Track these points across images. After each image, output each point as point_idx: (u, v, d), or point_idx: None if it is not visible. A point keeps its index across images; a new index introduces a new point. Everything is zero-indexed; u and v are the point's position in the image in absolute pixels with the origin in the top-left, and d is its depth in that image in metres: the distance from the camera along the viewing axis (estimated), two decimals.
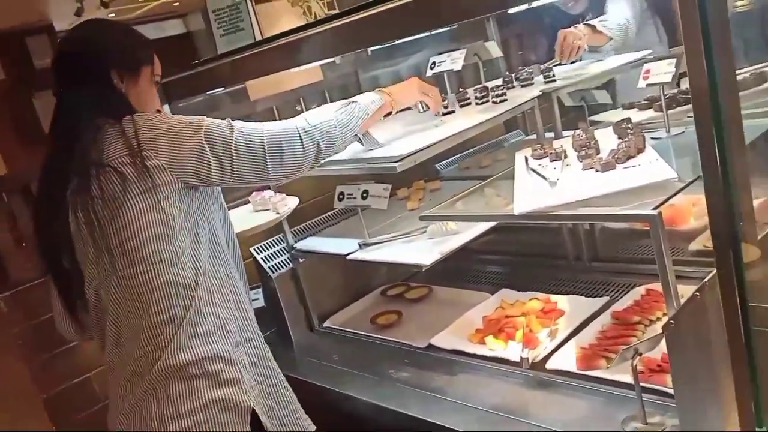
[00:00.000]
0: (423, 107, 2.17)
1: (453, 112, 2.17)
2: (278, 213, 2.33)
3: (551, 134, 2.18)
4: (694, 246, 1.88)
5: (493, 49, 2.57)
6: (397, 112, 2.18)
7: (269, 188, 2.48)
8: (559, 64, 2.41)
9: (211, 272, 1.54)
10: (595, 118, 2.38)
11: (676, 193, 1.42)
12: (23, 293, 2.35)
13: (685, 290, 1.30)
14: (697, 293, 1.24)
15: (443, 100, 2.15)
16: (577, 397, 1.65)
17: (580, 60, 2.50)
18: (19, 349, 2.41)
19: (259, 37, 2.28)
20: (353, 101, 1.77)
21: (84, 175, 1.45)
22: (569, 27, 2.45)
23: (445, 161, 2.88)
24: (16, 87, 2.67)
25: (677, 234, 1.87)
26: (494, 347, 1.95)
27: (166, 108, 2.51)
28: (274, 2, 2.57)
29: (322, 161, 1.68)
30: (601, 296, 2.08)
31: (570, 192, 1.55)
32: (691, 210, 1.90)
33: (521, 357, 1.79)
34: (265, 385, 1.61)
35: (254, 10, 2.36)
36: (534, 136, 2.32)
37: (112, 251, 1.46)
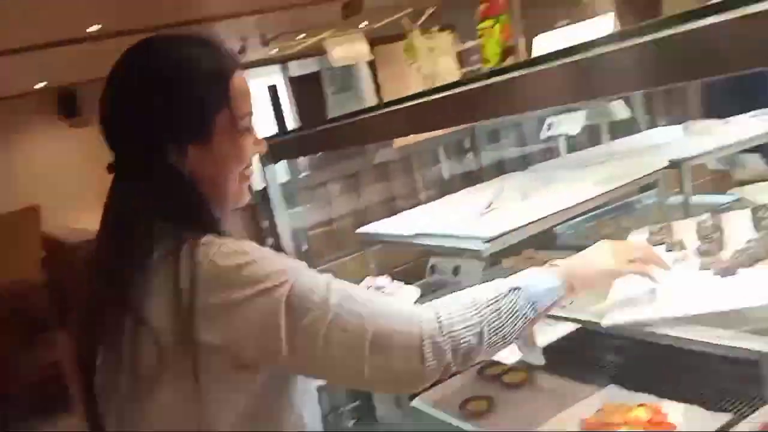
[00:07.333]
0: None
1: None
2: None
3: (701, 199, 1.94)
4: None
5: (619, 110, 2.31)
6: None
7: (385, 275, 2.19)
8: None
9: None
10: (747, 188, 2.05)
11: None
12: None
13: None
14: None
15: None
16: None
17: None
18: None
19: (368, 101, 2.19)
20: (515, 287, 1.08)
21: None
22: None
23: (564, 224, 2.61)
24: None
25: None
26: None
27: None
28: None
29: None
30: (724, 410, 1.71)
31: (672, 304, 1.29)
32: None
33: None
34: None
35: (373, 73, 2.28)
36: (679, 199, 2.00)
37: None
